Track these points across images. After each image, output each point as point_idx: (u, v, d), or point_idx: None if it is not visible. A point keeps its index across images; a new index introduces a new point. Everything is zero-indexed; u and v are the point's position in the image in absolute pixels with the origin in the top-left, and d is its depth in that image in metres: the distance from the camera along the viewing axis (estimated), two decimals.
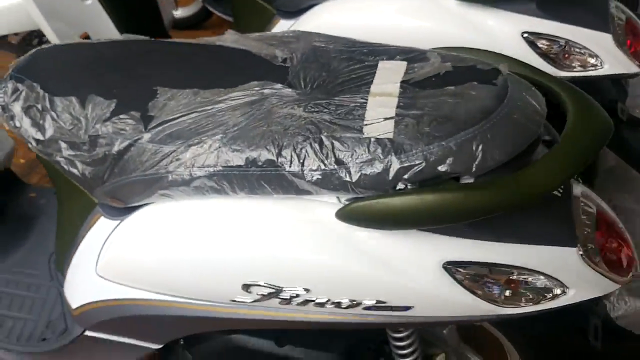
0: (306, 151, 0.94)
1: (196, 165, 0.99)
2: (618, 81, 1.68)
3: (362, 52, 1.12)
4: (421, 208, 0.89)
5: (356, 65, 1.07)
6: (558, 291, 1.02)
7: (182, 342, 1.28)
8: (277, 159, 0.95)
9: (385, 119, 0.95)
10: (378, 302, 0.99)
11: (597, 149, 0.97)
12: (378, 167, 0.91)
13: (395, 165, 0.90)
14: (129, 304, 1.12)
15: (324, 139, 0.94)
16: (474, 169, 0.90)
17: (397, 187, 0.92)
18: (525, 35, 1.49)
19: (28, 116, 1.11)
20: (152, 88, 1.08)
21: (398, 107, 0.95)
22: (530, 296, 1.02)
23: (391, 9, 1.56)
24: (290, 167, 0.94)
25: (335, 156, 0.93)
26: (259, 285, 1.01)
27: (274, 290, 1.01)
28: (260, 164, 0.96)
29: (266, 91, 1.04)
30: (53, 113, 1.09)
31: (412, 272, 0.96)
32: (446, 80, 0.99)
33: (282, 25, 1.72)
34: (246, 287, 1.02)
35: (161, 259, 1.06)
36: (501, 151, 0.91)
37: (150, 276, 1.08)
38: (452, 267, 0.96)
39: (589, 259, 1.00)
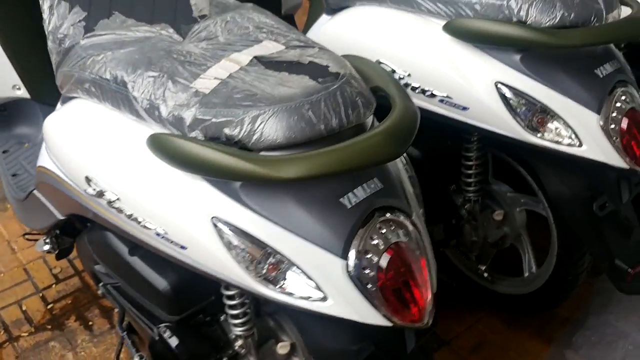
0: (148, 83, 1.03)
1: (92, 71, 1.17)
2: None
3: (274, 32, 1.15)
4: (195, 156, 0.96)
5: (249, 38, 1.13)
6: (314, 295, 0.98)
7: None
8: (128, 82, 1.05)
9: (215, 78, 1.02)
10: (163, 232, 1.06)
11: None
12: (183, 113, 1.01)
13: (193, 115, 1.00)
14: (47, 172, 1.31)
15: (165, 77, 1.03)
16: (252, 140, 0.96)
17: (192, 134, 1.00)
18: (499, 85, 1.37)
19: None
20: (112, 12, 1.28)
21: (233, 74, 1.04)
22: (288, 289, 0.98)
23: (391, 29, 1.52)
24: (133, 91, 1.08)
25: (163, 94, 1.02)
26: (93, 183, 1.14)
27: (99, 190, 1.13)
28: (118, 82, 1.10)
29: (163, 32, 1.21)
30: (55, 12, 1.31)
31: (186, 215, 1.03)
32: (290, 68, 1.06)
33: (322, 20, 1.74)
34: (88, 180, 1.15)
35: (62, 144, 1.24)
36: (280, 134, 0.95)
37: (57, 154, 1.26)
38: (219, 224, 1.00)
39: (360, 281, 0.94)
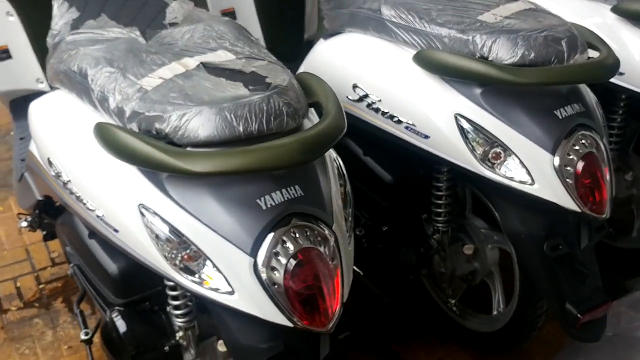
0: (105, 77, 1.19)
1: (66, 64, 1.30)
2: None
3: (234, 44, 1.24)
4: (124, 145, 1.06)
5: (206, 46, 1.23)
6: (223, 288, 1.06)
7: None
8: (89, 76, 1.19)
9: (160, 77, 1.10)
10: (101, 214, 1.17)
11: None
12: (125, 106, 1.12)
13: (132, 109, 1.10)
14: (30, 156, 1.45)
15: (118, 73, 1.12)
16: (177, 136, 1.04)
17: (130, 126, 1.11)
18: (458, 117, 1.40)
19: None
20: (101, 14, 1.41)
21: (176, 75, 1.14)
22: (199, 279, 1.05)
23: (369, 56, 1.59)
24: (92, 84, 1.20)
25: (114, 88, 1.15)
26: (53, 165, 1.26)
27: (57, 172, 1.25)
28: (82, 74, 1.23)
29: (131, 34, 1.32)
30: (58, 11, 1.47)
31: (119, 200, 1.13)
32: (230, 76, 1.15)
33: (319, 43, 1.82)
34: (49, 163, 1.28)
35: (37, 129, 1.37)
36: (202, 132, 1.03)
37: (35, 138, 1.39)
38: (144, 211, 1.09)
39: (266, 279, 1.01)
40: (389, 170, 1.67)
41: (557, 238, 1.44)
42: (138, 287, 1.36)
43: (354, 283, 1.18)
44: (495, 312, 1.77)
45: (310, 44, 2.00)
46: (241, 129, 1.03)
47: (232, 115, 1.03)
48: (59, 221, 1.54)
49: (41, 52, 1.86)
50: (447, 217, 1.68)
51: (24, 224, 1.70)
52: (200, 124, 1.03)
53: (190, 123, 1.03)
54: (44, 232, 1.77)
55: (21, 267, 2.10)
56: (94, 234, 1.36)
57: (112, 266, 1.33)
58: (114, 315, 1.39)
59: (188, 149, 1.04)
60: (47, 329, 1.88)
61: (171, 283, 1.30)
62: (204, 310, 1.40)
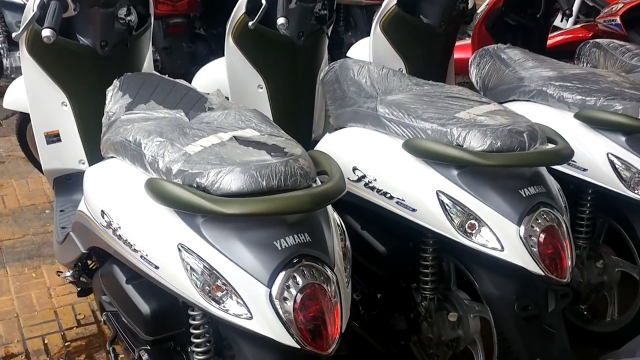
0: (155, 145, 1.47)
1: (122, 136, 1.60)
2: None
3: (258, 125, 1.55)
4: (170, 193, 1.35)
5: (237, 125, 1.55)
6: (244, 314, 1.26)
7: None
8: (142, 144, 1.48)
9: (201, 145, 1.41)
10: (145, 254, 1.42)
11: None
12: (172, 165, 1.42)
13: (178, 168, 1.40)
14: (80, 214, 1.72)
15: (167, 142, 1.47)
16: (213, 188, 1.33)
17: (175, 181, 1.39)
18: (439, 193, 1.68)
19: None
20: (150, 100, 1.74)
21: (214, 144, 1.42)
22: (225, 307, 1.27)
23: (366, 145, 1.91)
24: (144, 150, 1.50)
25: (164, 153, 1.46)
26: (105, 214, 1.53)
27: (109, 220, 1.52)
28: (136, 143, 1.54)
29: (177, 115, 1.63)
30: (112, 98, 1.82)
31: (161, 240, 1.40)
32: (256, 146, 1.46)
33: (326, 136, 2.14)
34: (102, 213, 1.54)
35: (91, 188, 1.66)
36: (233, 185, 1.33)
37: (87, 197, 1.66)
38: (182, 250, 1.35)
39: (279, 307, 1.23)
40: (383, 243, 1.93)
41: (526, 300, 1.67)
42: (166, 326, 1.58)
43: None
44: None
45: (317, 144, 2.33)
46: (264, 184, 1.31)
47: (257, 173, 1.31)
48: (98, 273, 1.79)
49: (86, 137, 2.18)
50: (433, 286, 1.91)
51: (69, 273, 1.94)
52: (232, 179, 1.31)
53: (224, 178, 1.31)
54: (79, 289, 2.00)
55: (49, 326, 2.30)
56: (130, 279, 1.60)
57: (145, 307, 1.55)
58: (142, 354, 1.60)
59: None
60: None
61: (195, 322, 1.52)
62: (220, 354, 1.61)
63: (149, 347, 1.60)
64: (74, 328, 2.30)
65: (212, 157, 1.37)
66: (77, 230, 1.79)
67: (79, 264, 1.90)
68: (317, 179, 1.44)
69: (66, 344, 2.23)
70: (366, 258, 1.96)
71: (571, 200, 2.15)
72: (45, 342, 2.24)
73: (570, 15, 3.07)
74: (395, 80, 2.05)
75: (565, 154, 1.66)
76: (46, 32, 1.74)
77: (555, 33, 3.71)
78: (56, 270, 2.18)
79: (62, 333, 2.28)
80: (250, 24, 2.26)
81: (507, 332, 1.70)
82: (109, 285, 1.71)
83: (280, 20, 2.14)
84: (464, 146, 1.66)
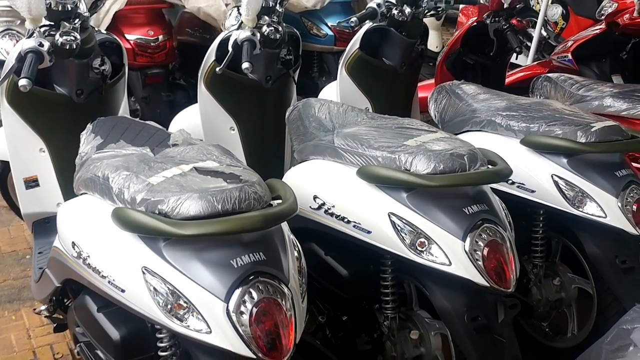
0: (121, 178, 1.59)
1: (92, 172, 1.72)
2: None
3: (219, 158, 1.69)
4: (134, 220, 1.48)
5: (198, 158, 1.68)
6: (204, 328, 1.36)
7: None
8: (110, 178, 1.56)
9: (163, 176, 1.55)
10: (112, 279, 1.52)
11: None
12: (136, 195, 1.55)
13: (142, 197, 1.53)
14: (55, 249, 1.80)
15: (133, 175, 1.60)
16: (174, 213, 1.45)
17: (139, 209, 1.51)
18: (390, 215, 1.81)
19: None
20: (119, 140, 1.83)
21: (175, 175, 1.55)
22: (186, 323, 1.38)
23: (324, 175, 2.04)
24: (111, 183, 1.61)
25: (129, 185, 1.57)
26: (76, 246, 1.62)
27: (79, 251, 1.62)
28: (104, 178, 1.66)
29: (143, 151, 1.75)
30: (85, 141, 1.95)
31: (126, 265, 1.51)
32: (214, 175, 1.58)
33: (291, 169, 2.27)
34: (73, 245, 1.64)
35: (63, 223, 1.76)
36: (191, 210, 1.45)
37: (60, 232, 1.77)
38: (146, 272, 1.45)
39: (236, 321, 1.33)
40: (345, 267, 2.04)
41: (476, 311, 1.78)
42: (135, 351, 1.67)
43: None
44: None
45: None
46: (219, 207, 1.43)
47: (213, 198, 1.44)
48: (72, 307, 1.88)
49: (64, 181, 2.29)
50: (394, 305, 2.02)
51: (43, 307, 2.02)
52: (190, 204, 1.44)
53: (183, 204, 1.44)
54: (55, 325, 2.09)
55: None
56: (101, 308, 1.70)
57: (115, 333, 1.65)
58: None
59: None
60: None
61: (163, 344, 1.61)
62: None
63: None
64: None
65: (172, 186, 1.50)
66: (52, 265, 1.89)
67: (54, 298, 1.99)
68: (272, 203, 1.56)
69: None
70: (330, 282, 2.07)
71: (525, 222, 2.31)
72: None
73: (521, 52, 3.27)
74: (352, 115, 2.21)
75: (503, 173, 1.81)
76: (22, 82, 1.87)
77: (515, 70, 3.92)
78: (33, 308, 2.25)
79: None
80: (217, 69, 2.42)
81: (460, 342, 1.80)
82: (81, 317, 1.80)
83: (245, 65, 2.30)
84: (411, 170, 1.80)
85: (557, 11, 5.66)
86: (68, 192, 2.30)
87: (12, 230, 3.30)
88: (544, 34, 5.93)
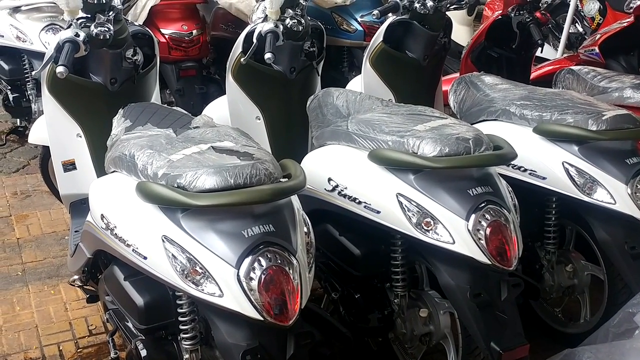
0: (145, 155, 1.72)
1: (120, 151, 1.85)
2: None
3: (236, 139, 1.80)
4: (155, 192, 1.60)
5: (216, 138, 1.80)
6: (216, 292, 1.48)
7: None
8: (135, 156, 1.71)
9: (183, 154, 1.67)
10: (136, 247, 1.64)
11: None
12: (158, 171, 1.68)
13: (163, 172, 1.65)
14: (87, 224, 1.95)
15: (156, 153, 1.73)
16: (191, 187, 1.58)
17: (159, 182, 1.65)
18: (398, 195, 1.89)
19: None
20: (147, 123, 1.97)
21: (193, 152, 1.68)
22: (201, 287, 1.50)
23: (339, 158, 2.14)
24: (136, 160, 1.70)
25: (152, 161, 1.69)
26: (105, 218, 1.76)
27: (107, 222, 1.76)
28: (130, 156, 1.79)
29: (166, 132, 1.88)
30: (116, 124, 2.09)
31: (148, 234, 1.63)
32: (229, 153, 1.70)
33: (309, 153, 2.38)
34: (102, 217, 1.78)
35: (94, 198, 1.90)
36: (207, 183, 1.57)
37: (91, 207, 1.90)
38: (165, 240, 1.55)
39: (246, 285, 1.45)
40: (358, 246, 2.14)
41: (479, 288, 1.85)
42: (157, 316, 1.80)
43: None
44: None
45: None
46: (232, 181, 1.55)
47: (227, 173, 1.56)
48: (102, 277, 2.03)
49: (98, 164, 2.43)
50: (404, 284, 2.10)
51: (76, 277, 2.19)
52: (206, 179, 1.56)
53: (199, 178, 1.56)
54: (88, 295, 2.25)
55: (65, 335, 2.54)
56: (128, 277, 1.84)
57: (139, 299, 1.79)
58: (137, 344, 1.82)
59: None
60: None
61: (183, 310, 1.74)
62: (208, 343, 1.81)
63: (143, 337, 1.81)
64: (86, 337, 2.53)
65: (191, 162, 1.62)
66: (84, 238, 2.04)
67: (86, 269, 2.14)
68: (282, 180, 1.67)
69: (79, 350, 2.46)
70: (344, 261, 2.17)
71: (538, 209, 2.36)
72: (60, 349, 2.47)
73: (543, 45, 3.29)
74: (368, 103, 2.30)
75: (506, 157, 1.88)
76: (59, 69, 2.03)
77: (542, 64, 3.93)
78: (69, 281, 2.41)
79: (76, 341, 2.51)
80: (242, 59, 2.54)
81: (463, 318, 1.88)
82: (110, 286, 1.95)
83: (267, 55, 2.41)
84: (419, 153, 1.88)
85: (594, 7, 5.61)
86: (101, 173, 2.45)
87: (52, 213, 3.50)
88: (580, 29, 5.89)
